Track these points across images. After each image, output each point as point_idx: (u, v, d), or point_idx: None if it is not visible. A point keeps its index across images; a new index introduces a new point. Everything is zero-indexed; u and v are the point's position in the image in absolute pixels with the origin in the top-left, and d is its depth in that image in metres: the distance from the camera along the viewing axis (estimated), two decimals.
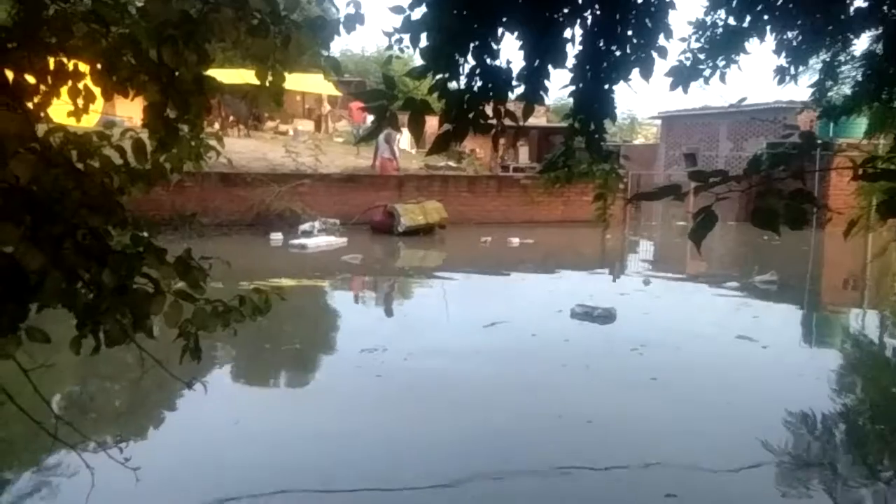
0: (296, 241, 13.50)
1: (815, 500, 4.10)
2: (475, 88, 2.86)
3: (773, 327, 8.51)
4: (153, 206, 12.22)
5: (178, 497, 3.84)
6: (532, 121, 28.97)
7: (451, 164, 21.98)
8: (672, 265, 13.93)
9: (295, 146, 17.25)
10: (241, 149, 18.11)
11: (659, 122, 33.62)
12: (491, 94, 2.87)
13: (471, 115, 2.93)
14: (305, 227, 14.81)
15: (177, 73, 2.29)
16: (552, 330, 7.65)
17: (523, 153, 25.68)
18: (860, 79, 4.90)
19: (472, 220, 17.19)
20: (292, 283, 10.31)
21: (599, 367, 6.37)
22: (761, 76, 5.53)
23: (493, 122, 3.03)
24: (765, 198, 1.56)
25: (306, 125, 24.86)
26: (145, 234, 2.12)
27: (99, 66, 2.26)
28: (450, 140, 2.90)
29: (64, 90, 2.31)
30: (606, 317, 8.04)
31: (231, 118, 21.18)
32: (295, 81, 23.19)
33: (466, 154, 23.81)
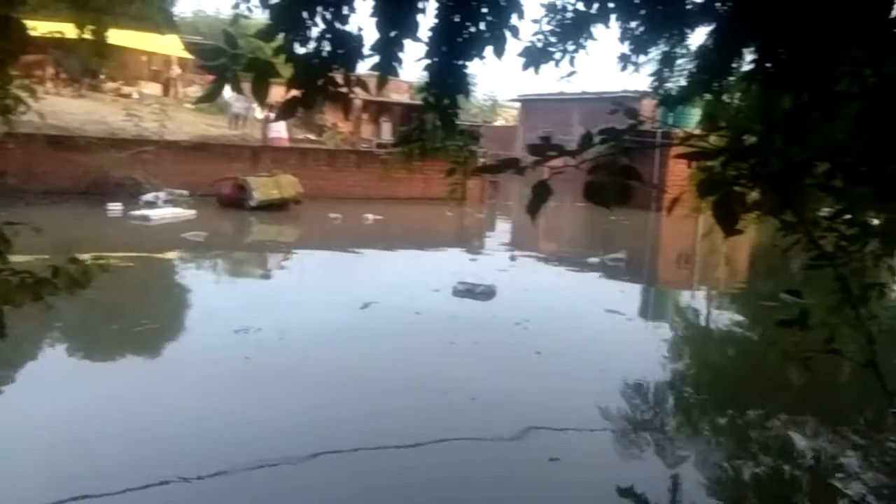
0: (137, 213, 12.57)
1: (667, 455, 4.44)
2: (324, 53, 2.75)
3: (633, 301, 9.38)
4: None
5: None
6: (395, 97, 28.76)
7: (311, 136, 21.44)
8: (531, 243, 14.47)
9: (139, 110, 16.00)
10: (74, 110, 16.58)
11: (518, 104, 34.71)
12: (340, 60, 2.76)
13: (320, 82, 2.82)
14: (149, 197, 13.82)
15: None
16: (436, 307, 7.64)
17: (386, 129, 25.56)
18: (694, 71, 5.22)
19: (331, 196, 16.87)
20: (134, 257, 9.59)
21: (487, 343, 6.48)
22: (613, 65, 5.80)
23: (344, 90, 2.93)
24: (596, 173, 1.60)
25: (153, 88, 23.15)
26: None
27: None
28: (297, 106, 2.77)
29: None
30: (488, 293, 8.15)
31: (63, 76, 19.27)
32: (139, 40, 21.51)
33: (328, 127, 23.30)
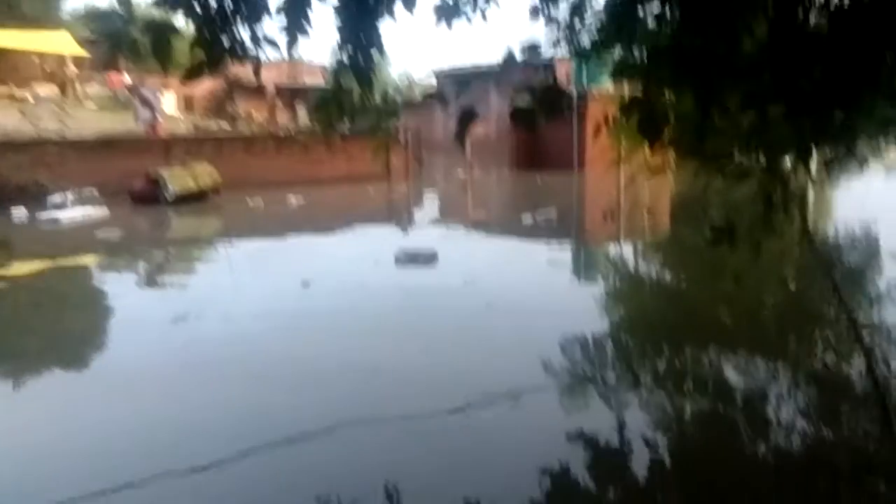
0: (46, 216, 11.86)
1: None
2: (226, 9, 2.61)
3: (567, 254, 9.92)
4: None
5: None
6: (309, 81, 28.02)
7: (225, 126, 20.78)
8: (462, 212, 14.51)
9: (36, 111, 15.08)
10: None
11: (434, 80, 34.56)
12: (243, 16, 2.64)
13: (225, 41, 2.69)
14: (56, 199, 13.06)
15: None
16: (380, 279, 7.51)
17: (302, 114, 24.97)
18: (604, 21, 5.26)
19: (251, 183, 16.36)
20: (46, 261, 9.07)
21: (437, 306, 6.49)
22: (529, 31, 5.80)
23: (252, 50, 2.81)
24: (520, 96, 1.57)
25: (48, 90, 21.78)
26: None
27: None
28: (203, 67, 2.63)
29: None
30: (430, 259, 8.07)
31: None
32: (27, 40, 20.18)
33: (241, 117, 22.69)
